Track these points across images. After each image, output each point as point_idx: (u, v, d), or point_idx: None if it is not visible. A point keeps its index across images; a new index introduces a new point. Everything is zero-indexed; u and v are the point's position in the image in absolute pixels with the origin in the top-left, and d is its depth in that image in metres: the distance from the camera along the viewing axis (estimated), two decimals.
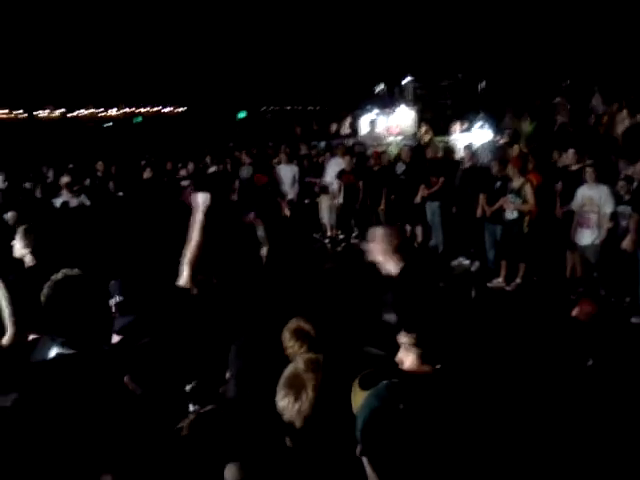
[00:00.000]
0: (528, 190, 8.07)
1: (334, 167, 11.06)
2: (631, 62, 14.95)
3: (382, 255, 3.70)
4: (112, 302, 2.92)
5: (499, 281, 8.48)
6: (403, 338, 2.82)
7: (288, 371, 2.06)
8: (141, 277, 3.57)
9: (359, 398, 2.72)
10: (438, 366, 2.64)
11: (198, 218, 3.47)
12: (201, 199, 3.51)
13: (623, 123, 9.99)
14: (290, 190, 11.11)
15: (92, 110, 34.90)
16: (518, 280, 8.34)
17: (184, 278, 3.37)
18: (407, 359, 2.83)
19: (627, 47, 16.02)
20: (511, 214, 8.24)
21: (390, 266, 3.66)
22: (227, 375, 3.42)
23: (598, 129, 10.27)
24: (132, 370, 2.25)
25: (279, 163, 11.65)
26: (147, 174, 10.84)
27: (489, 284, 8.50)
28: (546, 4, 18.82)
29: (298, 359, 2.10)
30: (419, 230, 10.45)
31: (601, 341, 3.98)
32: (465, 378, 2.85)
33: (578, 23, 17.69)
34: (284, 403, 1.99)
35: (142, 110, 35.06)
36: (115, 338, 2.91)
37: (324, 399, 1.98)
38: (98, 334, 2.37)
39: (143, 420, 2.13)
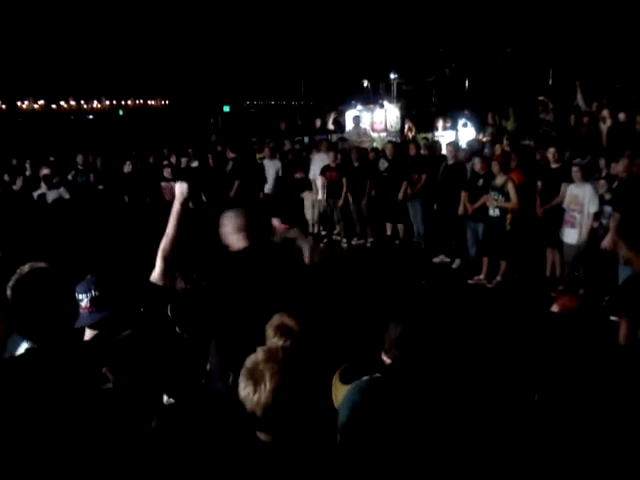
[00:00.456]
0: (511, 188, 8.10)
1: (318, 163, 11.00)
2: (613, 61, 15.08)
3: (230, 235, 3.73)
4: (88, 297, 2.88)
5: (480, 278, 8.52)
6: (386, 359, 2.79)
7: (248, 362, 2.07)
8: (118, 272, 3.49)
9: (340, 392, 2.71)
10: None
11: (175, 209, 3.32)
12: (178, 189, 3.36)
13: (605, 122, 10.02)
14: (273, 186, 11.04)
15: (73, 102, 34.51)
16: (499, 278, 8.38)
17: (157, 271, 3.25)
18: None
19: (610, 47, 16.16)
20: (493, 212, 8.27)
21: (238, 244, 3.70)
22: (207, 367, 3.38)
23: (580, 129, 10.29)
24: (111, 362, 2.21)
25: (263, 158, 11.57)
26: (127, 168, 10.71)
27: (470, 281, 8.54)
28: (532, 2, 18.92)
29: (258, 350, 2.09)
30: (401, 227, 10.47)
31: (583, 336, 3.99)
32: (444, 376, 2.84)
33: (563, 21, 17.80)
34: (244, 394, 2.01)
35: (124, 103, 34.72)
36: (90, 333, 2.87)
37: (284, 390, 1.98)
38: (66, 327, 2.32)
39: (116, 413, 2.10)
